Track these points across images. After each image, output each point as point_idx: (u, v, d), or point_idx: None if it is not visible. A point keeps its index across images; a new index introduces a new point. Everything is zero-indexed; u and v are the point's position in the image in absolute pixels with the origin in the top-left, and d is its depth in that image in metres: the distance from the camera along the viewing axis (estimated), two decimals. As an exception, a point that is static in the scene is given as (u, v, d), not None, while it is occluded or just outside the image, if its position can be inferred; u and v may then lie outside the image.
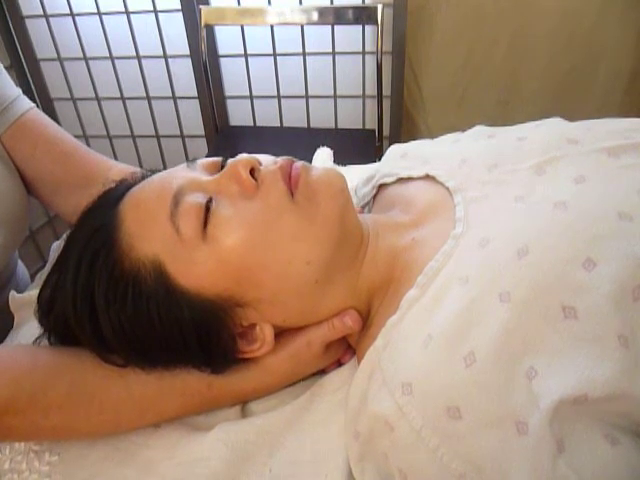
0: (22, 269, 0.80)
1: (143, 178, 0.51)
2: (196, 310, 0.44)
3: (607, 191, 0.42)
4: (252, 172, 0.46)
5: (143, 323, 0.44)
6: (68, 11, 1.59)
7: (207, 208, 0.44)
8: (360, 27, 1.51)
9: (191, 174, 0.48)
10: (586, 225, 0.39)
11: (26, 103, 0.67)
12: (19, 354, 0.48)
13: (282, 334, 0.49)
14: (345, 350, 0.52)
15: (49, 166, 0.66)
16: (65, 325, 0.47)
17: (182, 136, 1.80)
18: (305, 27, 1.53)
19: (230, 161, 0.48)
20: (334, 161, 0.86)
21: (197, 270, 0.44)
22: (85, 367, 0.46)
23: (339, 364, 0.52)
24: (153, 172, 0.52)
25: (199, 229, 0.43)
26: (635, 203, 0.40)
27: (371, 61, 1.56)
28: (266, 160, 0.49)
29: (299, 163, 0.47)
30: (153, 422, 0.49)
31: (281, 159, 0.48)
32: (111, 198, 0.49)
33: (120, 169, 0.68)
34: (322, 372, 0.52)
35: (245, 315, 0.46)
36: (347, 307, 0.49)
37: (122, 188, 0.50)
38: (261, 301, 0.45)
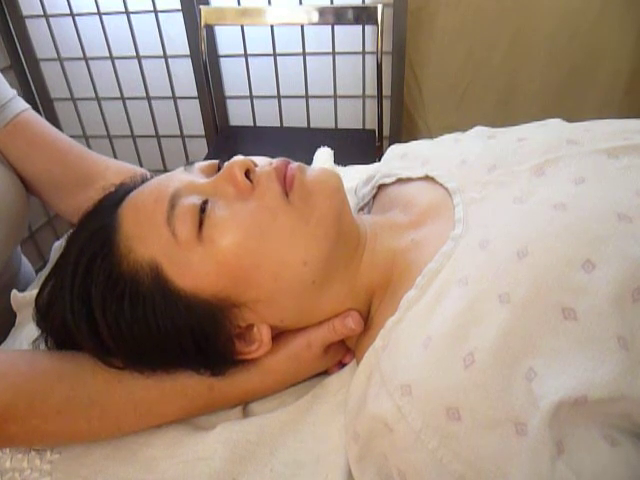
0: (28, 268, 0.81)
1: (142, 181, 0.51)
2: (193, 311, 0.44)
3: (607, 192, 0.42)
4: (248, 174, 0.46)
5: (140, 325, 0.44)
6: (68, 11, 1.59)
7: (202, 210, 0.44)
8: (360, 27, 1.51)
9: (188, 177, 0.48)
10: (586, 226, 0.40)
11: (21, 104, 0.67)
12: (17, 360, 0.48)
13: (282, 335, 0.49)
14: (346, 351, 0.52)
15: (46, 166, 0.66)
16: (63, 327, 0.47)
17: (182, 136, 1.80)
18: (305, 27, 1.53)
19: (226, 163, 0.48)
20: (334, 161, 0.86)
21: (193, 271, 0.44)
22: (84, 372, 0.46)
23: (342, 365, 0.52)
24: (152, 175, 0.52)
25: (195, 231, 0.44)
26: (635, 204, 0.40)
27: (371, 61, 1.56)
28: (262, 161, 0.49)
29: (294, 164, 0.47)
30: (154, 425, 0.49)
31: (276, 160, 0.48)
32: (110, 201, 0.49)
33: (118, 167, 0.68)
34: (324, 373, 0.52)
35: (242, 316, 0.46)
36: (346, 308, 0.49)
37: (121, 191, 0.50)
38: (258, 302, 0.45)
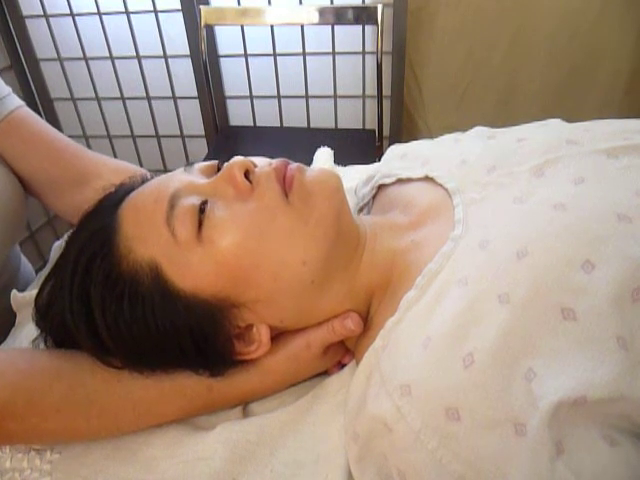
0: (28, 268, 0.80)
1: (143, 182, 0.51)
2: (192, 311, 0.44)
3: (606, 193, 0.42)
4: (247, 174, 0.47)
5: (139, 325, 0.44)
6: (68, 11, 1.59)
7: (201, 210, 0.44)
8: (360, 27, 1.51)
9: (188, 178, 0.48)
10: (585, 227, 0.40)
11: (16, 101, 0.66)
12: (16, 358, 0.48)
13: (281, 336, 0.49)
14: (345, 351, 0.52)
15: (41, 164, 0.65)
16: (62, 327, 0.47)
17: (182, 136, 1.80)
18: (305, 27, 1.53)
19: (226, 164, 0.48)
20: (334, 161, 0.86)
21: (193, 272, 0.44)
22: (83, 371, 0.46)
23: (341, 366, 0.52)
24: (153, 175, 0.52)
25: (194, 231, 0.44)
26: (634, 204, 0.40)
27: (371, 61, 1.56)
28: (261, 162, 0.49)
29: (294, 165, 0.48)
30: (153, 424, 0.49)
31: (276, 161, 0.48)
32: (110, 202, 0.50)
33: (115, 166, 0.68)
34: (324, 374, 0.52)
35: (242, 316, 0.46)
36: (345, 309, 0.49)
37: (121, 192, 0.50)
38: (257, 302, 0.45)
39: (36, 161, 0.65)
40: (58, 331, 0.48)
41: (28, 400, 0.44)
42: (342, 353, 0.52)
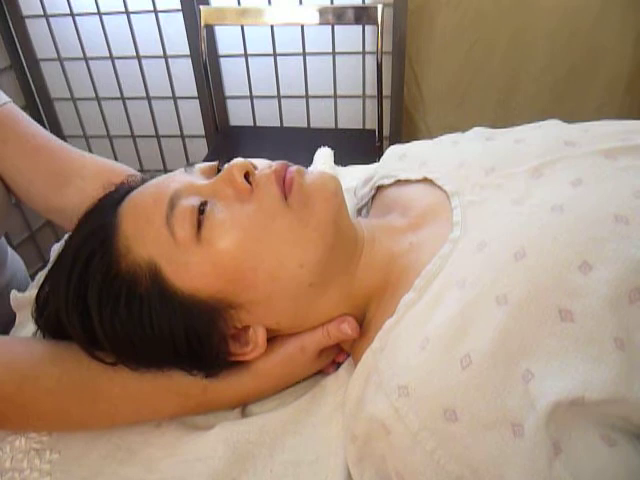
0: (21, 268, 0.80)
1: (143, 182, 0.51)
2: (189, 311, 0.44)
3: (604, 194, 0.42)
4: (247, 176, 0.47)
5: (135, 324, 0.44)
6: (68, 11, 1.60)
7: (201, 211, 0.44)
8: (360, 27, 1.52)
9: (188, 178, 0.48)
10: (582, 228, 0.40)
11: (1, 98, 0.64)
12: (13, 343, 0.49)
13: (276, 339, 0.49)
14: (339, 350, 0.52)
15: (18, 164, 0.64)
16: (58, 323, 0.47)
17: (182, 136, 1.80)
18: (305, 27, 1.53)
19: (226, 165, 0.48)
20: (334, 161, 0.86)
21: (191, 272, 0.44)
22: (79, 360, 0.46)
23: (337, 365, 0.52)
24: (153, 175, 0.52)
25: (193, 232, 0.44)
26: (631, 206, 0.40)
27: (371, 61, 1.56)
28: (261, 164, 0.49)
29: (293, 167, 0.48)
30: (149, 419, 0.49)
31: (276, 163, 0.48)
32: (110, 201, 0.50)
33: (96, 166, 0.66)
34: (320, 373, 0.52)
35: (238, 317, 0.46)
36: (342, 312, 0.49)
37: (122, 191, 0.50)
38: (254, 303, 0.45)
39: (13, 162, 0.63)
40: (55, 327, 0.48)
41: (21, 382, 0.44)
42: (335, 353, 0.52)
